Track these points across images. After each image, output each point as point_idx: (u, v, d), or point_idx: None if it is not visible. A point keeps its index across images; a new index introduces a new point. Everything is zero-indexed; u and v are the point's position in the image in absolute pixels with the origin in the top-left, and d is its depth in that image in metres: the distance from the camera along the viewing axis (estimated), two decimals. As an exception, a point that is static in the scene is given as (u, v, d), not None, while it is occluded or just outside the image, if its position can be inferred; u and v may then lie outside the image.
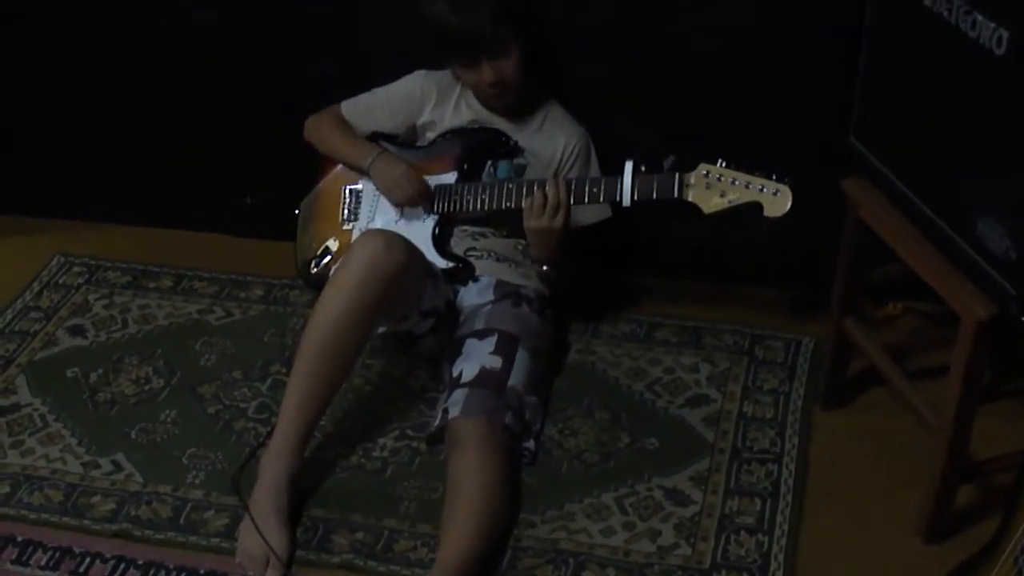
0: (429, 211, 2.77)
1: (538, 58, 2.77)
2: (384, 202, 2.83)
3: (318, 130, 2.93)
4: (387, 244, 2.47)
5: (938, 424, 2.25)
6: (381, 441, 2.67)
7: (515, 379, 2.57)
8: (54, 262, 3.32)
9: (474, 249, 2.79)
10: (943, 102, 2.09)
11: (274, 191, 3.22)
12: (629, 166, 2.54)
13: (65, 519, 2.51)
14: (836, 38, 2.55)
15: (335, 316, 2.45)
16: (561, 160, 2.80)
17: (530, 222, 2.63)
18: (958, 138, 2.07)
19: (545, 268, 2.73)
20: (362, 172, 2.84)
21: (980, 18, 1.93)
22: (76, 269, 3.29)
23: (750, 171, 2.46)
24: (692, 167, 2.49)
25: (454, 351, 2.65)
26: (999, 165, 1.97)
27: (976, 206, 2.04)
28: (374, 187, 2.84)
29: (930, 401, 2.31)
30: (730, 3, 2.71)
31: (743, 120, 2.80)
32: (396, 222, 2.79)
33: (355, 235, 2.80)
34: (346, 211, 2.88)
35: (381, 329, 2.63)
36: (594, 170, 2.83)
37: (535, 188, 2.62)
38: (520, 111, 2.83)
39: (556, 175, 2.77)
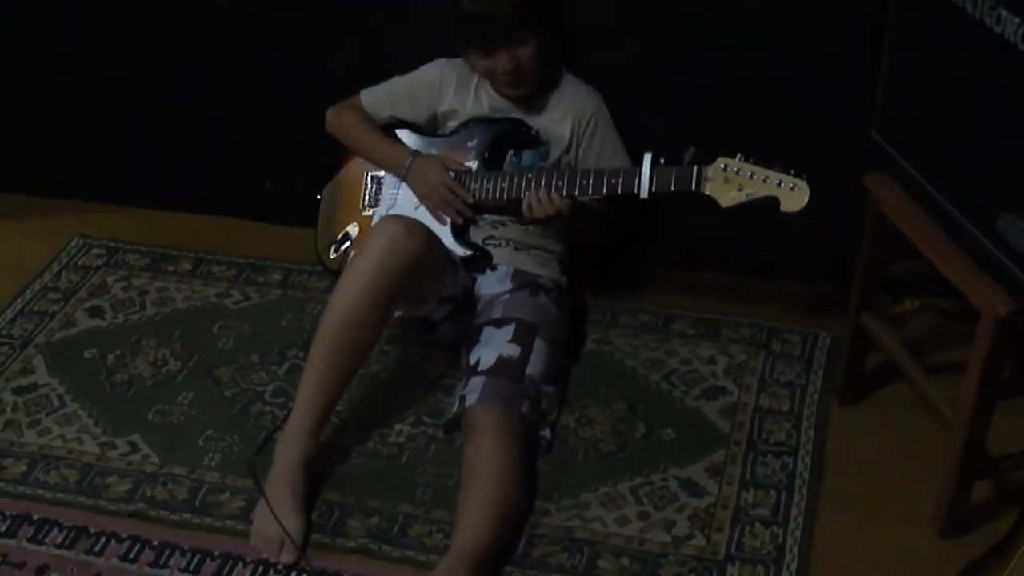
0: (471, 219, 2.78)
1: (555, 47, 2.76)
2: (406, 189, 2.83)
3: (341, 125, 2.91)
4: (405, 230, 2.47)
5: (955, 420, 2.25)
6: (397, 427, 2.67)
7: (533, 368, 2.57)
8: (73, 243, 3.33)
9: (493, 238, 2.79)
10: (966, 97, 2.09)
11: (293, 177, 3.23)
12: (648, 158, 2.54)
13: (81, 499, 2.53)
14: (859, 32, 2.54)
15: (352, 302, 2.46)
16: (577, 135, 2.78)
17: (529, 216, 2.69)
18: (980, 134, 2.06)
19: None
20: (396, 176, 2.85)
21: (1005, 13, 1.92)
22: (95, 251, 3.30)
23: (768, 165, 2.45)
24: (711, 160, 2.49)
25: (472, 338, 2.65)
26: (1022, 161, 1.97)
27: (998, 202, 2.04)
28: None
29: (947, 397, 2.31)
30: (753, -2, 2.71)
31: (765, 115, 2.79)
32: (416, 208, 2.78)
33: (375, 221, 2.80)
34: (367, 197, 2.89)
35: (397, 313, 2.64)
36: (612, 134, 2.81)
37: (533, 188, 2.63)
38: (534, 96, 2.81)
39: (576, 149, 2.78)
